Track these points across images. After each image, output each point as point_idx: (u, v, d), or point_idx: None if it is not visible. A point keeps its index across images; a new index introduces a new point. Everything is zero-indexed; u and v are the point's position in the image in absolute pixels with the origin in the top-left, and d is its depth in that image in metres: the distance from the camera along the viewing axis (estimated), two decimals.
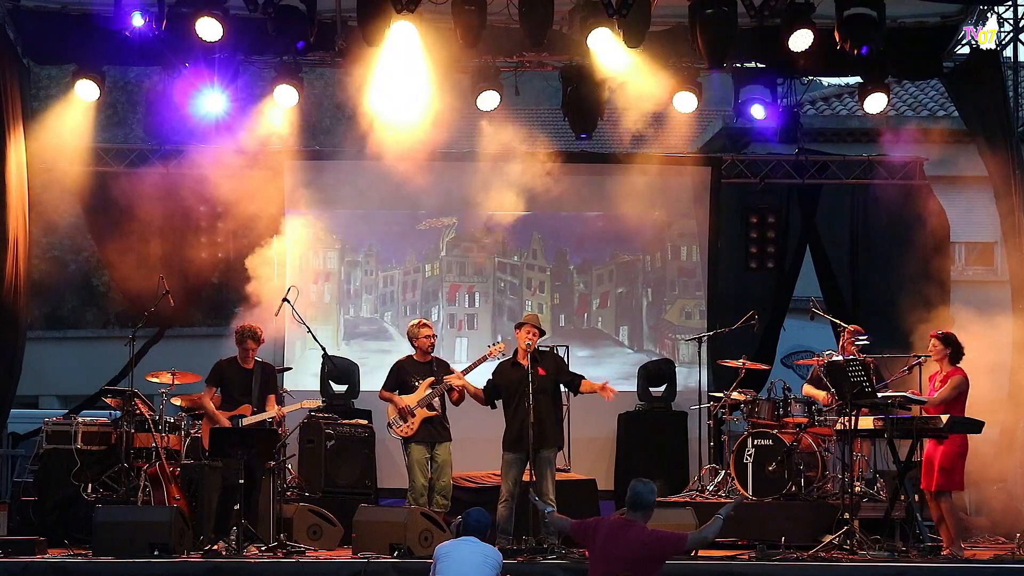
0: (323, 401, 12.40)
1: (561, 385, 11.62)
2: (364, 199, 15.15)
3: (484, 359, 11.71)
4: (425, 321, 12.01)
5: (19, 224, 12.86)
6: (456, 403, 11.75)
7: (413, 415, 11.57)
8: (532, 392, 11.06)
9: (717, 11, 12.04)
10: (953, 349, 10.92)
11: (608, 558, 8.06)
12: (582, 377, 11.72)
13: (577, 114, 13.73)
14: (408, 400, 11.59)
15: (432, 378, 11.67)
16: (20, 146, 12.98)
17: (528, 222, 14.72)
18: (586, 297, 15.41)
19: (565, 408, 12.13)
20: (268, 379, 11.70)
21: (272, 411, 11.54)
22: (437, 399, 11.69)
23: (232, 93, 13.24)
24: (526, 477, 11.22)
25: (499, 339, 14.23)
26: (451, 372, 11.76)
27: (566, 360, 13.46)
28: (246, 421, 11.39)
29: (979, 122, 13.82)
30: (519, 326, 11.52)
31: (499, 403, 11.57)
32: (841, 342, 12.55)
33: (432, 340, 11.86)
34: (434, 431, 11.64)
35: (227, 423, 11.36)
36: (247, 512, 10.75)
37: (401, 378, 11.73)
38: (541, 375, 11.31)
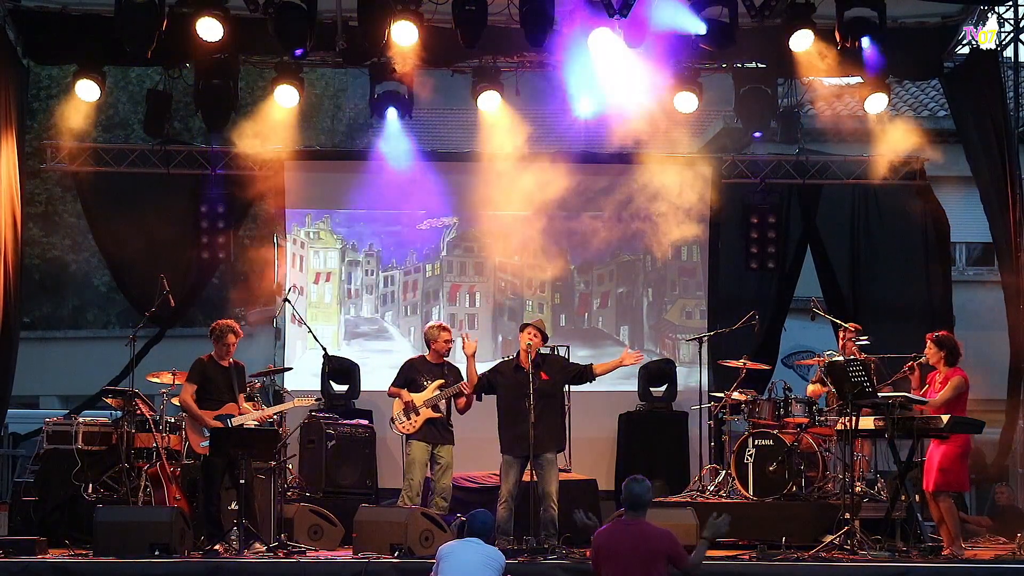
0: (316, 400, 12.35)
1: (574, 383, 11.56)
2: (364, 199, 15.14)
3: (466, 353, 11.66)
4: (446, 325, 11.97)
5: (9, 226, 12.83)
6: (462, 411, 11.73)
7: (417, 413, 11.57)
8: (532, 395, 11.06)
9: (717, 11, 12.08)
10: (948, 351, 10.88)
11: (618, 560, 8.05)
12: (590, 365, 11.62)
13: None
14: (415, 398, 11.59)
15: (442, 380, 11.66)
16: (12, 148, 12.92)
17: (528, 222, 14.72)
18: (587, 297, 15.41)
19: (566, 408, 12.11)
20: (242, 378, 11.63)
21: (257, 413, 11.45)
22: (443, 402, 11.68)
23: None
24: (527, 478, 11.24)
25: (498, 344, 14.30)
26: (461, 379, 11.73)
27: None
28: (235, 421, 11.28)
29: (974, 123, 13.81)
30: (523, 328, 11.51)
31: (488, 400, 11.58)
32: (841, 342, 12.55)
33: (450, 345, 11.86)
34: (436, 432, 11.63)
35: (215, 423, 11.24)
36: (245, 512, 10.73)
37: (410, 376, 11.73)
38: (544, 380, 11.29)
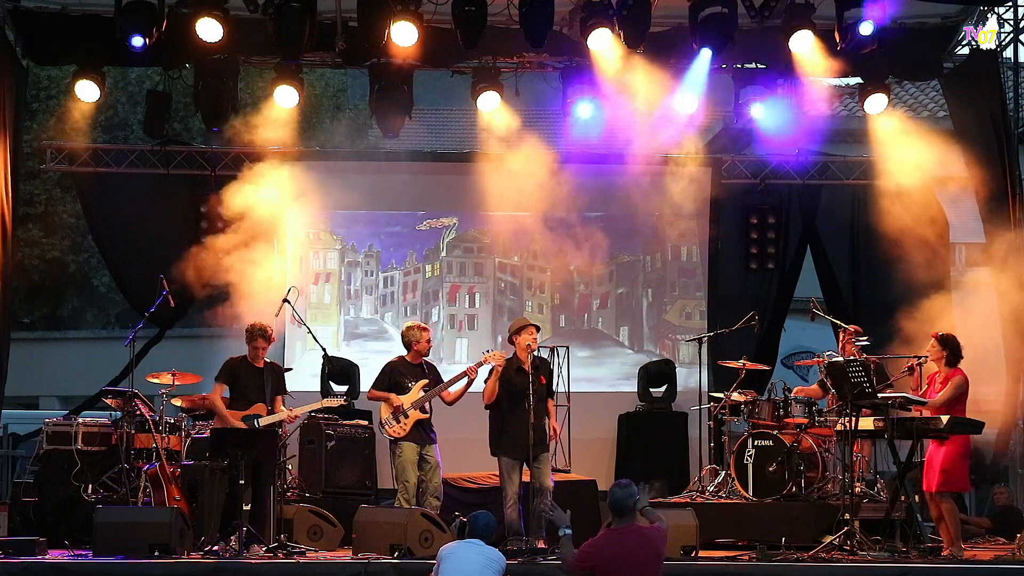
0: (344, 399, 12.34)
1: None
2: (364, 199, 15.15)
3: (479, 365, 11.66)
4: (424, 325, 11.96)
5: None
6: (450, 403, 11.72)
7: (407, 416, 11.53)
8: (532, 396, 11.06)
9: (717, 11, 12.08)
10: (950, 351, 10.87)
11: (626, 569, 8.03)
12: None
13: None
14: (403, 400, 11.58)
15: (426, 380, 11.64)
16: (4, 149, 12.90)
17: (528, 222, 14.72)
18: (586, 297, 15.42)
19: (565, 409, 12.12)
20: (278, 379, 11.62)
21: (284, 413, 11.43)
22: (427, 402, 11.68)
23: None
24: (524, 478, 11.25)
25: (497, 345, 14.27)
26: (441, 378, 11.71)
27: (567, 361, 13.47)
28: (263, 421, 11.25)
29: (973, 124, 13.80)
30: (518, 331, 11.47)
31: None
32: (841, 342, 12.54)
33: (431, 345, 11.85)
34: (424, 433, 11.60)
35: (239, 423, 11.24)
36: (255, 514, 10.73)
37: (394, 379, 11.67)
38: (543, 383, 11.32)
